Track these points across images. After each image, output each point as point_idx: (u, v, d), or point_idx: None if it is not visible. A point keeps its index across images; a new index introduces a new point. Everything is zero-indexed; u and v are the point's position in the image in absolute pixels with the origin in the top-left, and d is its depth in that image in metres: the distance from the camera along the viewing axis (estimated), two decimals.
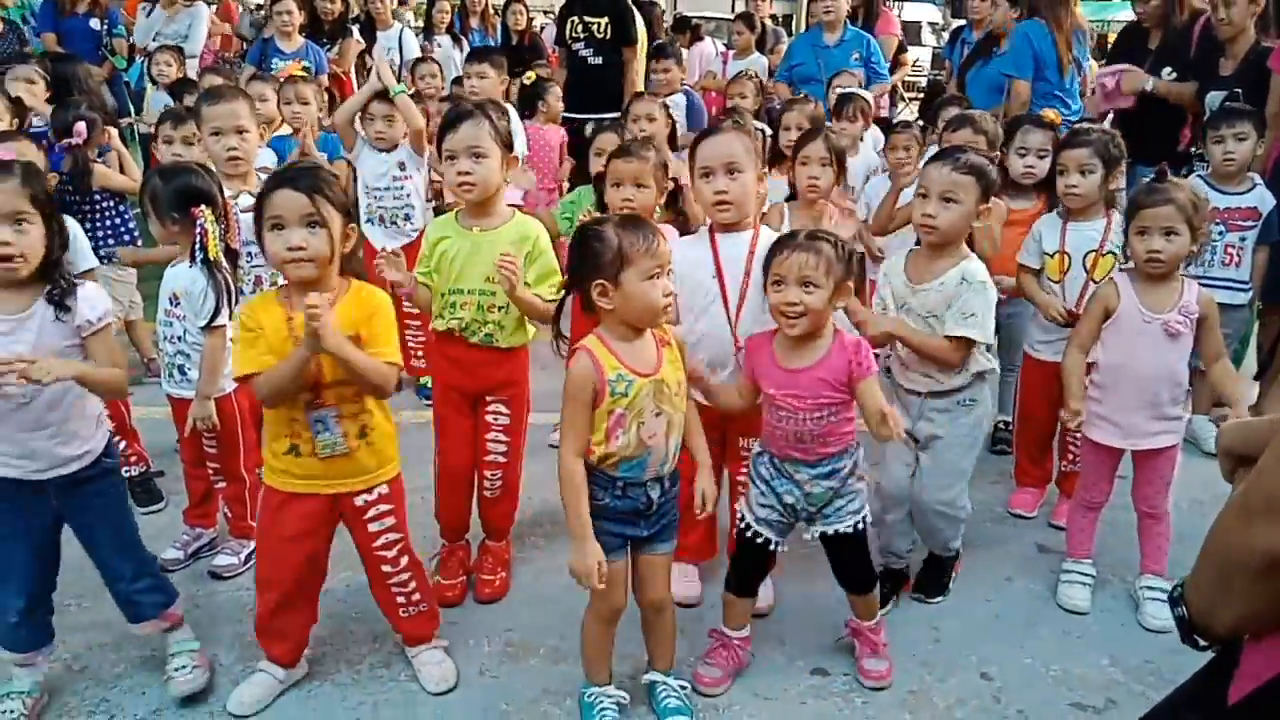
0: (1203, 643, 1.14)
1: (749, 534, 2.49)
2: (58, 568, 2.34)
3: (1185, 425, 2.93)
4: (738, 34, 6.95)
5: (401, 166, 4.03)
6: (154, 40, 6.45)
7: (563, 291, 2.34)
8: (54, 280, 2.12)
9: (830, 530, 2.44)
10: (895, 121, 4.73)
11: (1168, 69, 4.81)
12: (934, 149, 4.97)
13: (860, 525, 2.45)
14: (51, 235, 2.11)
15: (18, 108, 3.90)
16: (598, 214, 3.16)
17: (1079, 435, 3.09)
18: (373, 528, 2.35)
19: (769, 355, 2.39)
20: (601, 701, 2.35)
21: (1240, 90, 4.35)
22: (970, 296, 2.58)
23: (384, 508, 2.35)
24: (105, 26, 6.63)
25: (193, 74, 6.09)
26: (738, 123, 3.96)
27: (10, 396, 2.07)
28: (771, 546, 2.49)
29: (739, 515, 2.53)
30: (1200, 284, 2.83)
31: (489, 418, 2.82)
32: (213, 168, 2.96)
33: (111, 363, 2.18)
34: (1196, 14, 4.85)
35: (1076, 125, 3.61)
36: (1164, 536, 2.90)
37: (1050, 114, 3.83)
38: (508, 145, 2.71)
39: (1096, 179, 3.21)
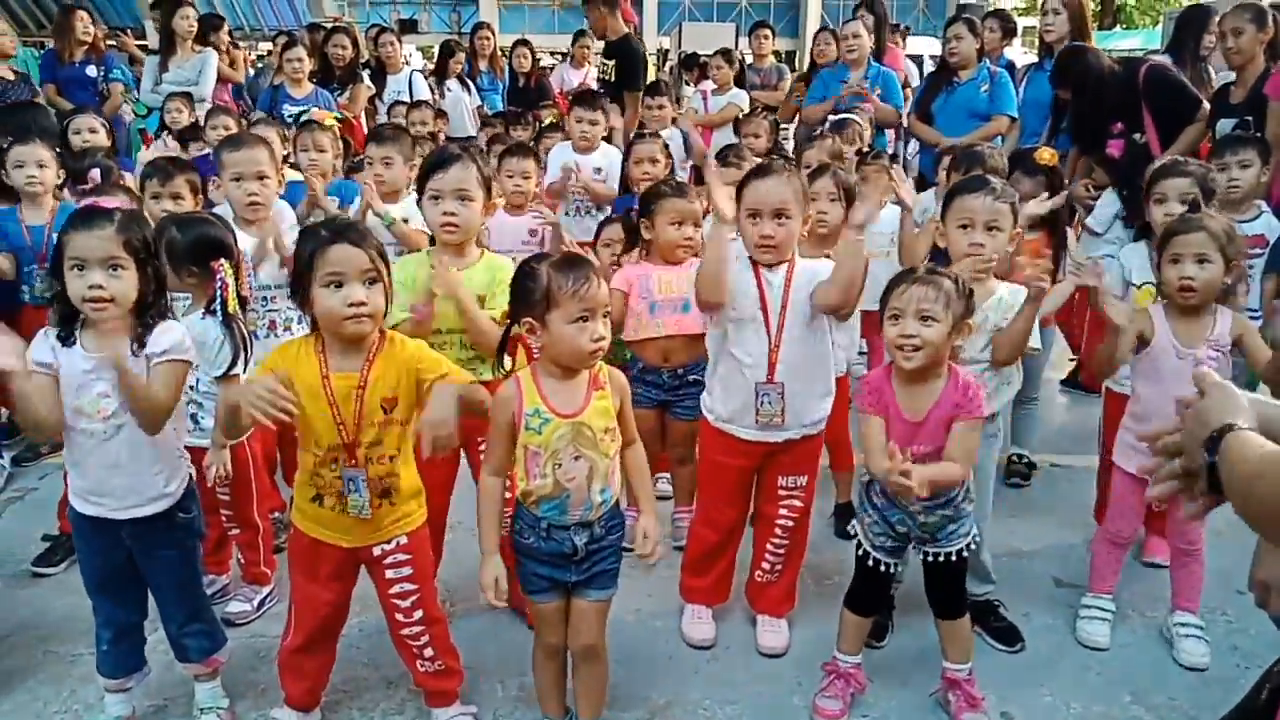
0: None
1: (869, 562, 2.50)
2: (144, 598, 2.42)
3: None
4: (717, 69, 6.98)
5: (407, 223, 3.90)
6: (158, 88, 6.54)
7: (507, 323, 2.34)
8: (143, 322, 2.22)
9: (941, 554, 2.45)
10: (865, 151, 4.74)
11: (1138, 135, 4.65)
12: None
13: (970, 548, 2.47)
14: (146, 281, 2.20)
15: (62, 160, 3.98)
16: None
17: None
18: (389, 574, 2.34)
19: (893, 405, 2.38)
20: None
21: (1251, 118, 4.36)
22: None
23: (402, 557, 2.33)
24: (102, 72, 6.74)
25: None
26: (739, 157, 4.02)
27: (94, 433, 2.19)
28: (886, 570, 2.50)
29: (856, 544, 2.54)
30: None
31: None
32: (224, 215, 3.00)
33: (164, 392, 2.21)
34: (1131, 68, 4.74)
35: (1174, 159, 3.54)
36: (1198, 575, 2.85)
37: (1046, 154, 3.83)
38: (489, 190, 2.76)
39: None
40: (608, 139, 4.97)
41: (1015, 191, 2.84)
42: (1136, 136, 4.66)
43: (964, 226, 2.72)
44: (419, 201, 2.79)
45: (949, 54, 5.61)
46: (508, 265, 2.79)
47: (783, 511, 2.82)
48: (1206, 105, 4.61)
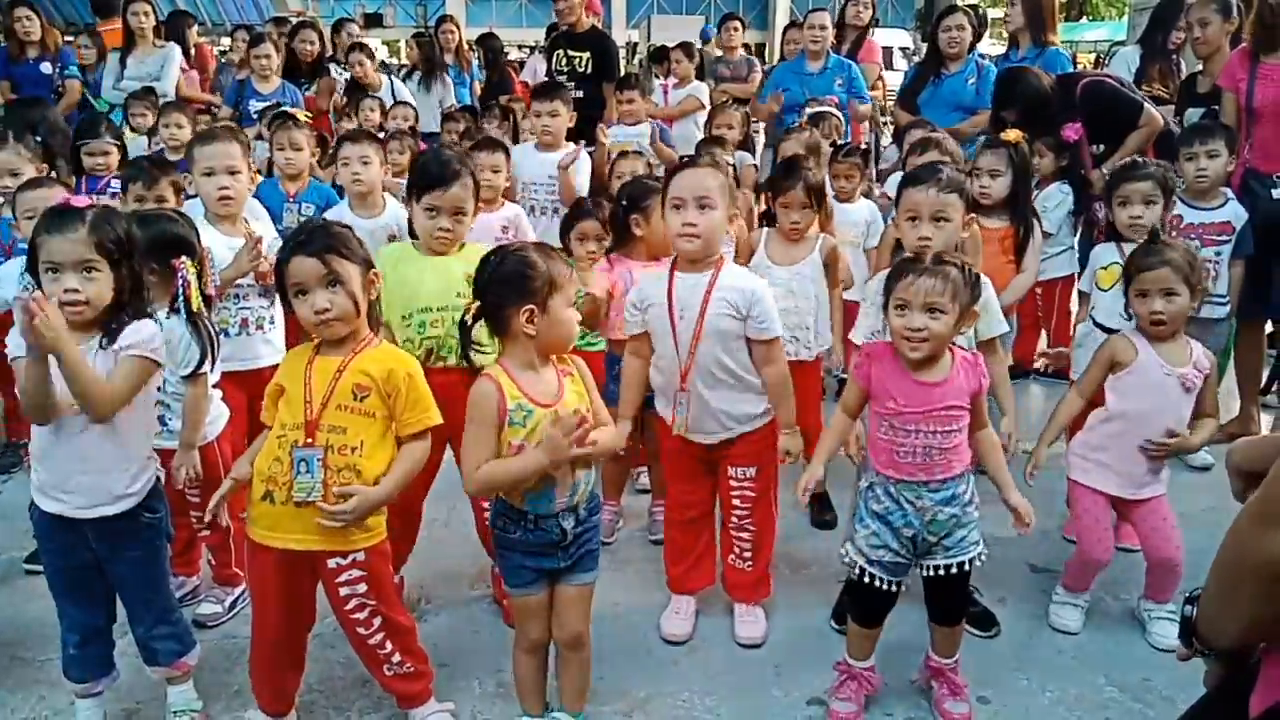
0: (1198, 647, 1.15)
1: (864, 579, 2.40)
2: (111, 601, 2.38)
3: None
4: (676, 63, 6.96)
5: (391, 239, 3.76)
6: (120, 85, 6.44)
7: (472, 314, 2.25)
8: (117, 319, 2.19)
9: (953, 564, 2.36)
10: (839, 145, 4.74)
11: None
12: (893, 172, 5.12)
13: (981, 558, 2.40)
14: (121, 280, 2.18)
15: (47, 154, 3.89)
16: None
17: None
18: (343, 592, 2.28)
19: (896, 367, 2.33)
20: None
21: (1218, 108, 4.43)
22: (986, 295, 2.65)
23: (356, 573, 2.27)
24: (57, 69, 6.62)
25: None
26: (714, 158, 4.00)
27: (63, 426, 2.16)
28: (887, 588, 2.39)
29: (846, 559, 2.45)
30: None
31: None
32: (187, 213, 2.95)
33: (117, 383, 2.16)
34: (1069, 85, 4.71)
35: (1133, 160, 3.64)
36: (1173, 582, 2.83)
37: (1012, 134, 3.85)
38: (477, 197, 2.82)
39: (1158, 210, 3.34)
40: (581, 134, 4.91)
41: (963, 176, 2.86)
42: (1094, 148, 4.69)
43: (912, 219, 2.74)
44: (407, 200, 2.84)
45: (949, 44, 5.55)
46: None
47: (735, 502, 2.83)
48: (1149, 108, 4.61)
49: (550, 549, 2.21)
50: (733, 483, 2.80)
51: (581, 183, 4.56)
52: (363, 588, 2.28)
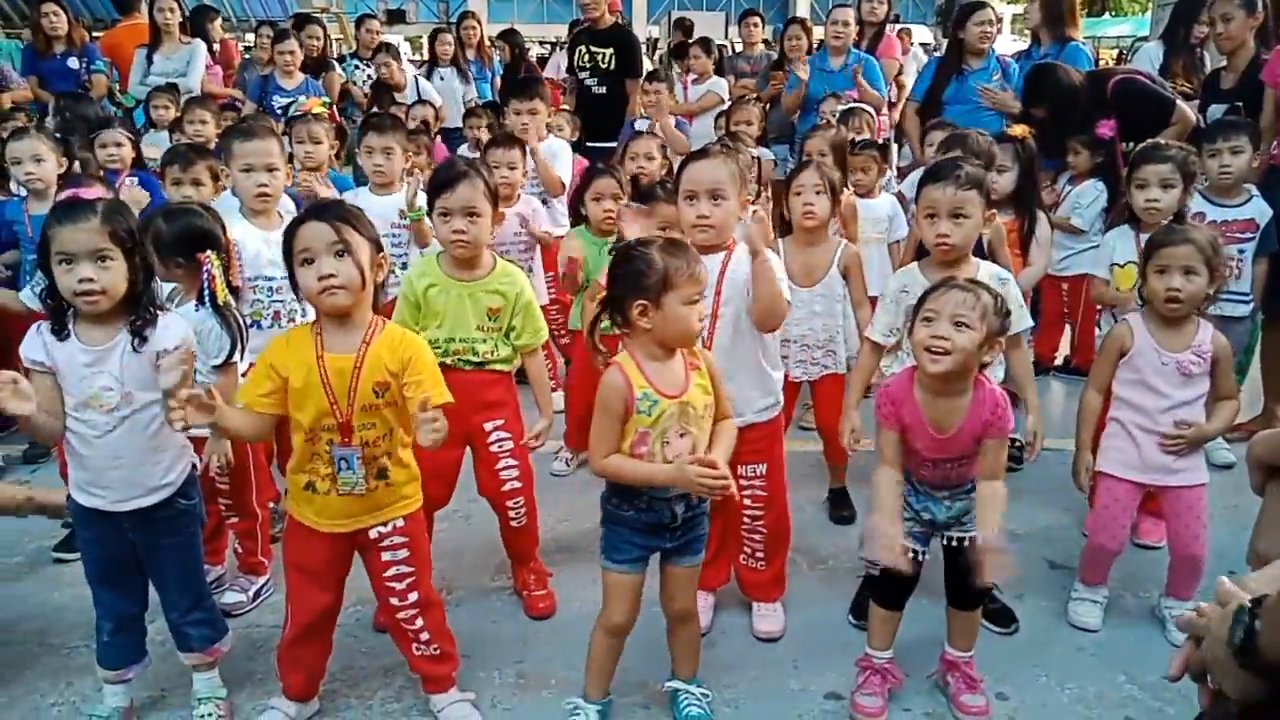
0: (1250, 660, 1.08)
1: None
2: (146, 590, 2.42)
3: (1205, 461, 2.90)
4: (694, 58, 6.96)
5: (402, 215, 3.90)
6: (146, 81, 6.51)
7: (600, 306, 2.33)
8: (138, 313, 2.21)
9: (966, 537, 2.42)
10: (855, 140, 4.74)
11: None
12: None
13: None
14: (134, 270, 2.20)
15: (67, 149, 3.96)
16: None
17: None
18: (385, 557, 2.36)
19: (917, 416, 2.35)
20: (579, 716, 2.41)
21: (1241, 104, 4.38)
22: (1011, 291, 2.65)
23: (399, 540, 2.35)
24: (84, 64, 6.70)
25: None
26: (728, 146, 4.00)
27: (95, 425, 2.20)
28: (919, 557, 2.46)
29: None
30: None
31: (494, 448, 2.85)
32: (214, 206, 2.99)
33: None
34: (1100, 81, 4.68)
35: (1154, 143, 3.62)
36: (1197, 579, 2.83)
37: (1019, 129, 3.83)
38: (495, 201, 2.80)
39: (1176, 194, 3.32)
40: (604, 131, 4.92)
41: (983, 172, 2.86)
42: (1126, 146, 4.65)
43: (930, 216, 2.74)
44: (428, 213, 2.85)
45: (980, 38, 5.50)
46: (520, 277, 2.85)
47: (747, 502, 2.81)
48: (1182, 105, 4.58)
49: (660, 530, 2.28)
50: (742, 481, 2.78)
51: (562, 168, 4.63)
52: (404, 553, 2.36)
